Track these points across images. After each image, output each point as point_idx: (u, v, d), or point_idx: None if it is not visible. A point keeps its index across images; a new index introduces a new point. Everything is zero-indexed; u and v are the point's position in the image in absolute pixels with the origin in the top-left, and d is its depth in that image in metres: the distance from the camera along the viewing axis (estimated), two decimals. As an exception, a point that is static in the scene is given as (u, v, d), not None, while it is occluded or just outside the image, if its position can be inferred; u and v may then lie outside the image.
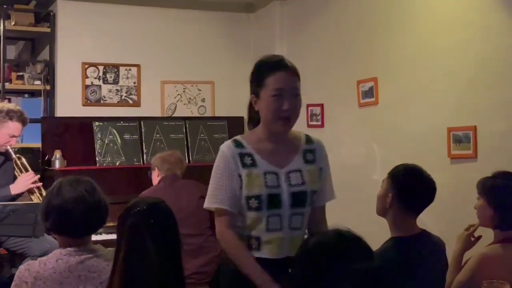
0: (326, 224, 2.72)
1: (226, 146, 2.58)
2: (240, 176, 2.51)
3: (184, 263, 2.15)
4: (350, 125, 5.10)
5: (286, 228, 2.52)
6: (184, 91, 6.05)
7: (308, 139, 2.68)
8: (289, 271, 1.74)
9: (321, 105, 5.42)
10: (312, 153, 2.64)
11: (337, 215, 5.05)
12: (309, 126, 5.55)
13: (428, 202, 2.81)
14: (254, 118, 2.67)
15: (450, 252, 2.97)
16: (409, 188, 2.78)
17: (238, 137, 2.62)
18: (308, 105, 5.55)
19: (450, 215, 3.94)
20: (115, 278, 2.05)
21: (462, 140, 4.01)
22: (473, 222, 2.98)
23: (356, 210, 4.81)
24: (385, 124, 4.71)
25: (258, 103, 2.60)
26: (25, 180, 4.49)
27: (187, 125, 5.74)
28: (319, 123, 5.44)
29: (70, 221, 2.48)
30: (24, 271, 2.46)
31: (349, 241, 1.55)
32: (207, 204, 2.56)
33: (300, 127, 5.57)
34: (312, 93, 5.53)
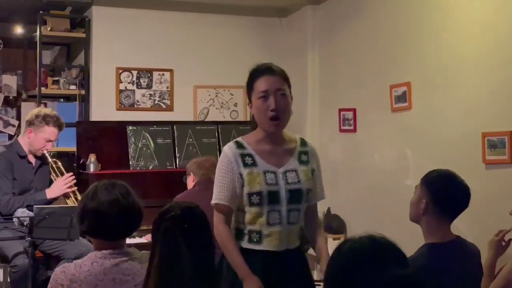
0: (319, 219, 3.04)
1: (228, 147, 2.79)
2: (241, 175, 2.73)
3: (217, 267, 2.16)
4: (383, 130, 5.08)
5: (284, 222, 2.75)
6: (216, 96, 6.08)
7: (303, 142, 2.91)
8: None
9: (354, 110, 5.40)
10: (306, 154, 2.86)
11: (369, 220, 5.06)
12: (341, 130, 5.54)
13: (462, 208, 2.78)
14: (254, 122, 2.85)
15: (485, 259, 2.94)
16: (444, 194, 2.75)
17: (239, 139, 2.82)
18: (340, 110, 5.54)
19: (485, 221, 3.89)
20: (150, 282, 2.07)
21: (497, 146, 3.97)
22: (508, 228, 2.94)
23: (388, 215, 4.79)
24: (418, 129, 4.67)
25: (252, 107, 2.82)
26: (61, 185, 4.55)
27: (219, 130, 5.76)
28: (352, 127, 5.42)
29: (105, 224, 2.51)
30: (60, 273, 2.48)
31: (383, 247, 1.53)
32: (213, 201, 2.77)
33: (332, 131, 5.62)
34: (344, 97, 5.53)
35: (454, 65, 4.35)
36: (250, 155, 2.76)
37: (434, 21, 4.55)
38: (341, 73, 5.60)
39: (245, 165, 2.74)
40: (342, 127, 5.53)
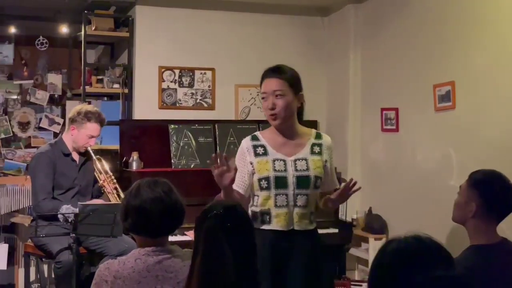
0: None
1: (245, 140, 3.20)
2: (251, 163, 3.11)
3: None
4: (426, 130, 5.02)
5: (291, 205, 3.07)
6: (258, 95, 6.08)
7: (318, 136, 3.23)
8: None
9: (396, 109, 5.35)
10: (319, 147, 3.17)
11: (411, 221, 5.01)
12: (383, 130, 5.50)
13: (510, 209, 2.73)
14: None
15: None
16: (495, 196, 2.70)
17: (256, 133, 3.22)
18: (382, 109, 5.49)
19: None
20: (193, 280, 2.08)
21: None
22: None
23: (430, 216, 4.73)
24: (463, 129, 4.61)
25: None
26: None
27: (260, 128, 5.74)
28: (394, 127, 5.37)
29: (148, 221, 2.54)
30: (104, 270, 2.52)
31: (429, 248, 1.52)
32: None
33: (374, 131, 5.58)
34: (386, 97, 5.48)
35: (499, 64, 4.28)
36: (262, 146, 3.13)
37: (479, 19, 4.47)
38: (384, 72, 5.55)
39: (256, 154, 3.11)
40: (384, 127, 5.49)
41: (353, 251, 5.64)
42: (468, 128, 4.55)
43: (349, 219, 5.67)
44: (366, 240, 5.48)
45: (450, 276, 1.48)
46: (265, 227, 3.08)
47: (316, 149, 3.15)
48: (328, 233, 5.41)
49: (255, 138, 3.17)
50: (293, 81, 3.15)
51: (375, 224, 5.41)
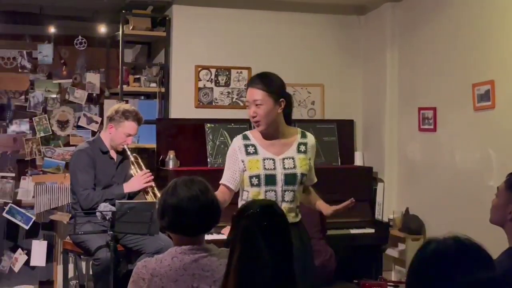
0: (314, 193, 3.60)
1: (236, 139, 3.44)
2: (243, 161, 3.35)
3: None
4: (464, 129, 4.95)
5: (279, 200, 3.31)
6: (294, 94, 6.06)
7: (303, 135, 3.46)
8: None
9: (434, 109, 5.29)
10: (305, 145, 3.42)
11: (449, 221, 4.95)
12: (420, 130, 5.44)
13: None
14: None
15: None
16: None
17: (247, 132, 3.46)
18: (419, 109, 5.44)
19: None
20: (230, 279, 2.08)
21: None
22: None
23: (468, 217, 4.67)
24: (502, 129, 4.54)
25: None
26: (139, 180, 4.63)
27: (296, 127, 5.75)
28: (432, 127, 5.31)
29: (184, 219, 2.55)
30: (141, 267, 2.54)
31: (469, 249, 1.50)
32: (221, 180, 3.41)
33: (411, 131, 5.53)
34: (424, 96, 5.42)
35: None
36: (253, 145, 3.38)
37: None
38: (421, 71, 5.50)
39: (248, 153, 3.36)
40: (422, 126, 5.43)
41: (389, 251, 5.60)
42: (508, 128, 4.48)
43: (385, 219, 5.63)
44: (403, 241, 5.43)
45: (490, 277, 1.45)
46: None
47: (302, 148, 3.41)
48: (364, 233, 5.39)
49: (245, 137, 3.42)
50: (272, 90, 3.32)
51: (412, 224, 5.36)
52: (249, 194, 3.37)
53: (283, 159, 3.36)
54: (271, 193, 3.33)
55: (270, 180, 3.33)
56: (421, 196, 5.45)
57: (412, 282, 1.57)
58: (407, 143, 5.67)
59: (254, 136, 3.42)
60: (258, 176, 3.32)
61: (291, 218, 3.30)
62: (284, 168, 3.34)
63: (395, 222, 5.55)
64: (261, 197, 3.30)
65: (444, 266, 1.49)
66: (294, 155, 3.38)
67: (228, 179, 3.39)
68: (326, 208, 3.50)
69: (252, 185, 3.34)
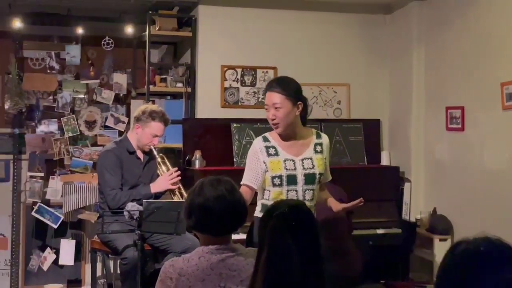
0: (326, 189, 3.78)
1: (257, 141, 3.58)
2: (264, 162, 3.49)
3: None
4: (493, 129, 4.90)
5: (301, 199, 3.44)
6: (320, 94, 6.06)
7: (318, 135, 3.65)
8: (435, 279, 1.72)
9: (462, 108, 5.24)
10: (320, 146, 3.60)
11: (477, 222, 4.90)
12: (448, 129, 5.39)
13: None
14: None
15: None
16: None
17: (266, 134, 3.60)
18: (447, 108, 5.39)
19: None
20: (258, 278, 2.09)
21: None
22: None
23: (497, 217, 4.62)
24: (532, 128, 4.48)
25: None
26: (166, 180, 4.65)
27: (322, 127, 5.74)
28: (459, 126, 5.26)
29: (211, 219, 2.56)
30: (169, 267, 2.55)
31: (499, 250, 1.48)
32: (242, 181, 3.50)
33: (438, 130, 5.48)
34: (451, 95, 5.38)
35: None
36: (273, 147, 3.53)
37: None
38: (448, 70, 5.45)
39: (269, 155, 3.50)
40: (449, 126, 5.38)
41: (417, 252, 5.56)
42: (537, 127, 4.42)
43: (412, 220, 5.59)
44: (430, 241, 5.39)
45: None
46: None
47: (318, 148, 3.59)
48: (391, 233, 5.36)
49: (266, 139, 3.57)
50: (290, 93, 3.48)
51: (439, 225, 5.31)
52: (270, 193, 3.52)
53: (302, 159, 3.52)
54: (293, 193, 3.48)
55: (292, 180, 3.48)
56: (448, 196, 5.41)
57: (442, 283, 1.55)
58: (434, 142, 5.63)
59: (273, 137, 3.57)
60: (280, 177, 3.47)
61: None
62: (304, 168, 3.50)
63: (423, 222, 5.50)
64: (283, 196, 3.45)
65: (474, 267, 1.48)
66: (312, 155, 3.55)
67: (250, 179, 3.51)
68: (336, 205, 3.67)
69: (274, 185, 3.49)
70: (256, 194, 3.60)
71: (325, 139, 3.65)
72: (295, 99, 3.48)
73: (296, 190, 3.49)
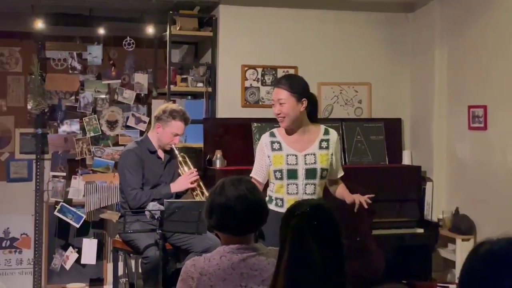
0: (342, 183, 3.97)
1: (264, 136, 3.82)
2: (268, 157, 3.73)
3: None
4: (516, 128, 4.85)
5: (301, 193, 3.66)
6: (340, 93, 6.04)
7: (326, 131, 3.80)
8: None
9: (484, 107, 5.19)
10: (327, 142, 3.75)
11: (500, 222, 4.85)
12: (470, 128, 5.35)
13: None
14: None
15: None
16: None
17: (274, 130, 3.82)
18: (469, 107, 5.35)
19: None
20: (280, 278, 2.08)
21: None
22: None
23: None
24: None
25: None
26: (186, 180, 4.66)
27: (343, 127, 5.72)
28: (482, 125, 5.21)
29: (232, 218, 2.55)
30: (190, 266, 2.55)
31: (524, 251, 1.46)
32: (251, 174, 3.77)
33: (461, 129, 5.43)
34: (474, 94, 5.33)
35: None
36: (278, 142, 3.73)
37: None
38: (471, 68, 5.40)
39: (273, 149, 3.72)
40: (472, 125, 5.33)
41: (439, 251, 5.52)
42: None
43: (435, 219, 5.56)
44: (453, 241, 5.35)
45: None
46: (278, 209, 3.62)
47: (324, 144, 3.74)
48: (414, 233, 5.34)
49: (272, 134, 3.79)
50: (295, 90, 3.67)
51: (462, 224, 5.27)
52: (274, 186, 3.75)
53: (305, 155, 3.70)
54: (293, 186, 3.69)
55: (292, 174, 3.68)
56: (471, 196, 5.36)
57: (465, 283, 1.54)
58: (456, 142, 5.58)
59: (280, 133, 3.77)
60: (281, 171, 3.68)
61: None
62: (306, 164, 3.68)
63: (445, 222, 5.46)
64: (284, 189, 3.68)
65: (498, 268, 1.46)
66: (316, 151, 3.71)
67: (256, 172, 3.79)
68: (348, 197, 3.88)
69: (276, 178, 3.71)
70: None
71: (332, 135, 3.79)
72: (300, 96, 3.67)
73: (296, 184, 3.68)
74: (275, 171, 3.71)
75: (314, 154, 3.70)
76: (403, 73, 6.14)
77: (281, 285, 2.04)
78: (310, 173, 3.68)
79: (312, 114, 3.77)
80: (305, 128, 3.75)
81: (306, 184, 3.68)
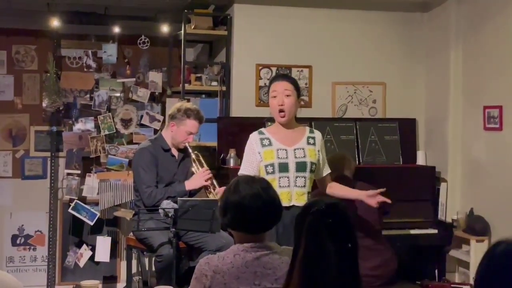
0: (334, 182, 4.10)
1: (253, 134, 3.93)
2: (259, 153, 3.83)
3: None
4: (532, 128, 4.81)
5: (292, 185, 3.78)
6: (355, 92, 6.02)
7: (311, 131, 3.97)
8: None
9: (500, 107, 5.16)
10: (313, 139, 3.91)
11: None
12: (485, 129, 5.32)
13: None
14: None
15: None
16: None
17: (262, 129, 3.99)
18: (485, 107, 5.31)
19: None
20: (294, 276, 2.08)
21: None
22: None
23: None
24: None
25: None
26: (200, 177, 4.67)
27: (357, 127, 5.71)
28: (497, 126, 5.18)
29: (246, 217, 2.56)
30: (204, 264, 2.56)
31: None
32: (239, 172, 3.84)
33: (476, 130, 5.41)
34: (489, 94, 5.30)
35: None
36: (267, 139, 3.85)
37: None
38: (487, 69, 5.37)
39: (263, 145, 3.83)
40: (487, 125, 5.30)
41: (453, 253, 5.49)
42: None
43: (449, 220, 5.53)
44: (467, 242, 5.32)
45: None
46: None
47: (311, 140, 3.89)
48: (427, 234, 5.31)
49: (261, 133, 3.91)
50: (297, 86, 3.89)
51: (477, 225, 5.24)
52: None
53: (295, 149, 3.82)
54: (285, 179, 3.78)
55: (283, 167, 3.78)
56: (486, 196, 5.33)
57: (482, 283, 1.53)
58: (471, 142, 5.55)
59: (268, 131, 3.92)
60: (272, 165, 3.78)
61: (302, 201, 3.71)
62: (296, 157, 3.80)
63: (459, 223, 5.43)
64: (276, 183, 3.71)
65: (513, 267, 1.46)
66: (304, 146, 3.85)
67: (248, 170, 3.80)
68: (353, 192, 4.07)
69: (267, 173, 3.78)
70: None
71: (317, 134, 3.96)
72: (299, 94, 3.90)
73: (288, 177, 3.78)
74: (266, 166, 3.79)
75: (303, 149, 3.84)
76: (418, 73, 6.11)
77: (296, 282, 2.04)
78: (300, 166, 3.80)
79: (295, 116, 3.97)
80: (294, 125, 3.93)
81: (296, 177, 3.79)
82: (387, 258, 4.25)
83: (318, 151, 3.91)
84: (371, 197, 3.93)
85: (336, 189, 4.05)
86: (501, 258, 1.50)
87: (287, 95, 3.79)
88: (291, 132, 3.89)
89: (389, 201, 3.95)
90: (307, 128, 3.99)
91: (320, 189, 4.08)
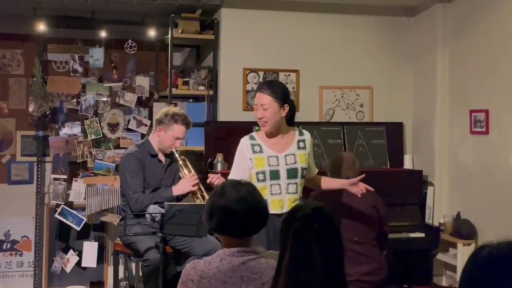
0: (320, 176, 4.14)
1: (244, 139, 3.89)
2: (250, 159, 3.80)
3: (346, 269, 2.13)
4: (518, 132, 4.84)
5: (284, 192, 3.78)
6: (342, 96, 6.04)
7: (300, 133, 3.94)
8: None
9: (486, 111, 5.18)
10: (303, 142, 3.90)
11: (502, 226, 4.85)
12: (472, 132, 5.34)
13: None
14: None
15: None
16: None
17: (253, 133, 3.94)
18: (471, 111, 5.34)
19: None
20: (280, 280, 2.08)
21: None
22: None
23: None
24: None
25: None
26: (187, 183, 4.65)
27: (345, 130, 5.72)
28: (484, 129, 5.21)
29: (233, 220, 2.55)
30: (190, 269, 2.55)
31: (524, 254, 1.46)
32: (229, 176, 3.77)
33: (462, 133, 5.43)
34: (476, 98, 5.33)
35: None
36: (258, 145, 3.82)
37: None
38: (473, 72, 5.40)
39: (254, 152, 3.80)
40: (473, 129, 5.33)
41: (440, 256, 5.51)
42: None
43: (436, 224, 5.55)
44: (454, 246, 5.34)
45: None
46: None
47: (301, 144, 3.88)
48: (415, 237, 5.32)
49: (252, 138, 3.88)
50: (278, 96, 3.76)
51: (463, 229, 5.26)
52: None
53: (286, 155, 3.82)
54: (276, 187, 3.78)
55: (274, 175, 3.78)
56: (473, 200, 5.35)
57: (464, 284, 1.53)
58: (458, 146, 5.58)
59: (259, 136, 3.87)
60: (263, 172, 3.77)
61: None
62: (287, 164, 3.80)
63: (446, 227, 5.46)
64: (267, 190, 3.73)
65: (498, 272, 1.46)
66: (295, 151, 3.85)
67: (239, 176, 3.71)
68: (335, 182, 4.09)
69: (258, 180, 3.75)
70: None
71: (307, 135, 3.95)
72: (282, 102, 3.78)
73: (279, 184, 3.78)
74: (257, 173, 3.78)
75: (294, 154, 3.83)
76: (405, 77, 6.13)
77: (282, 287, 2.04)
78: (291, 173, 3.80)
79: (291, 119, 3.91)
80: (283, 131, 3.88)
81: (288, 184, 3.79)
82: (380, 266, 4.26)
83: (308, 153, 3.91)
84: (353, 186, 3.96)
85: (326, 183, 4.09)
86: (484, 263, 1.50)
87: (264, 109, 3.77)
88: (281, 138, 3.87)
89: (371, 189, 4.01)
90: (297, 131, 3.95)
91: (314, 187, 4.15)
